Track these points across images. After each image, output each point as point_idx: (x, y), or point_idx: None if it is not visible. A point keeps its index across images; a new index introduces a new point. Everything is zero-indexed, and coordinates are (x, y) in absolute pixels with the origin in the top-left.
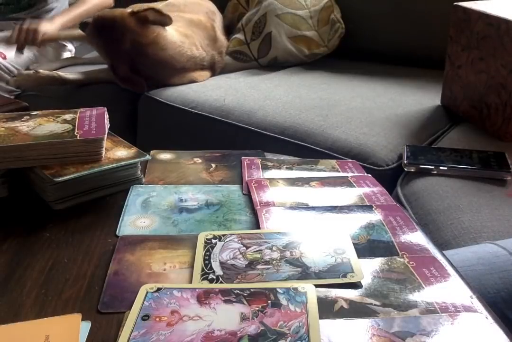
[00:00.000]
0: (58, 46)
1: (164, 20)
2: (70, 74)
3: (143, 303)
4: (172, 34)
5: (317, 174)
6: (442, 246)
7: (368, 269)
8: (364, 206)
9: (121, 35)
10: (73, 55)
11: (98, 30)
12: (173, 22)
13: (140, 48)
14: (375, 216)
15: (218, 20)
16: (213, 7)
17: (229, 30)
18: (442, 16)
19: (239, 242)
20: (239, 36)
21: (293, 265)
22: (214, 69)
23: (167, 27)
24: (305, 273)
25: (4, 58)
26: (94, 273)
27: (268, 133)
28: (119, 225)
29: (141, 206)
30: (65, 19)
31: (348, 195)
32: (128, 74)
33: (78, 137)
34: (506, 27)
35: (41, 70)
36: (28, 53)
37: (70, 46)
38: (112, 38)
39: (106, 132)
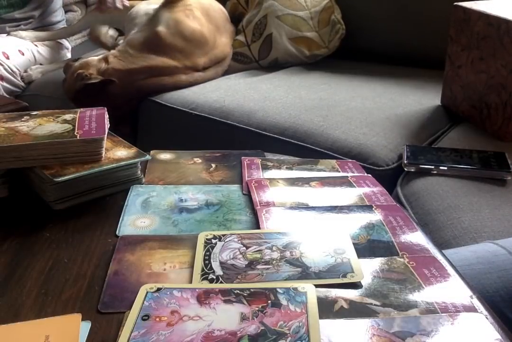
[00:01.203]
0: (56, 45)
1: (106, 83)
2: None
3: (143, 303)
4: (121, 71)
5: (317, 174)
6: (442, 246)
7: (368, 269)
8: (364, 206)
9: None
10: (69, 54)
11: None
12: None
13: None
14: (375, 216)
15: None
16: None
17: None
18: (442, 16)
19: (239, 242)
20: (240, 37)
21: (293, 265)
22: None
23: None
24: (305, 273)
25: (7, 58)
26: (94, 273)
27: (268, 133)
28: (119, 225)
29: (141, 206)
30: None
31: (348, 195)
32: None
33: (78, 137)
34: (506, 27)
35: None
36: (28, 54)
37: (66, 44)
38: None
39: (106, 132)
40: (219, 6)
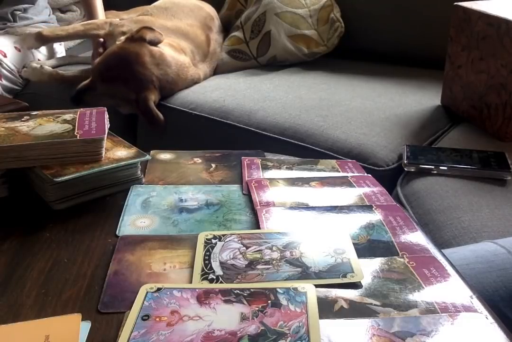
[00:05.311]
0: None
1: (157, 38)
2: (69, 73)
3: (143, 303)
4: (170, 51)
5: (317, 174)
6: (442, 245)
7: (368, 269)
8: (364, 206)
9: (140, 61)
10: (67, 54)
11: (116, 72)
12: (164, 36)
13: (158, 66)
14: (375, 216)
15: (216, 26)
16: (212, 11)
17: (226, 27)
18: (442, 16)
19: (239, 242)
20: (238, 34)
21: (293, 265)
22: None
23: (160, 45)
24: (305, 273)
25: (5, 56)
26: (94, 273)
27: (268, 134)
28: (119, 225)
29: (141, 206)
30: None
31: (348, 195)
32: (154, 106)
33: (78, 137)
34: (506, 27)
35: (45, 67)
36: (25, 50)
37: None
38: (135, 70)
39: (106, 132)
40: (193, 4)
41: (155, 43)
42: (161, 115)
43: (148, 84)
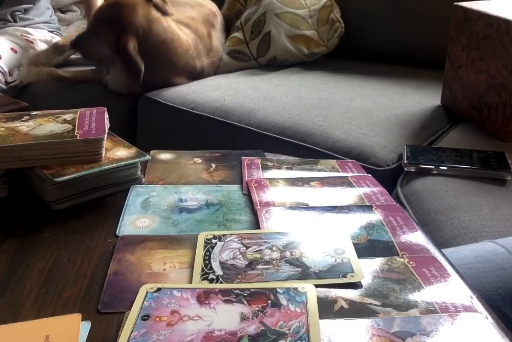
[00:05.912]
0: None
1: (165, 8)
2: (66, 72)
3: (143, 303)
4: (171, 23)
5: (317, 174)
6: (442, 245)
7: (368, 269)
8: (364, 206)
9: (133, 9)
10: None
11: (106, 13)
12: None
13: (149, 23)
14: (375, 216)
15: (218, 22)
16: (215, 8)
17: (226, 27)
18: (442, 16)
19: (239, 242)
20: (238, 35)
21: (293, 265)
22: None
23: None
24: (305, 273)
25: (0, 58)
26: (94, 273)
27: (268, 133)
28: (119, 225)
29: (141, 206)
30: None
31: (348, 195)
32: (134, 51)
33: (78, 137)
34: (506, 27)
35: (41, 65)
36: (21, 52)
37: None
38: (123, 14)
39: (106, 132)
40: (194, 1)
41: (162, 11)
42: (139, 61)
43: (131, 31)
